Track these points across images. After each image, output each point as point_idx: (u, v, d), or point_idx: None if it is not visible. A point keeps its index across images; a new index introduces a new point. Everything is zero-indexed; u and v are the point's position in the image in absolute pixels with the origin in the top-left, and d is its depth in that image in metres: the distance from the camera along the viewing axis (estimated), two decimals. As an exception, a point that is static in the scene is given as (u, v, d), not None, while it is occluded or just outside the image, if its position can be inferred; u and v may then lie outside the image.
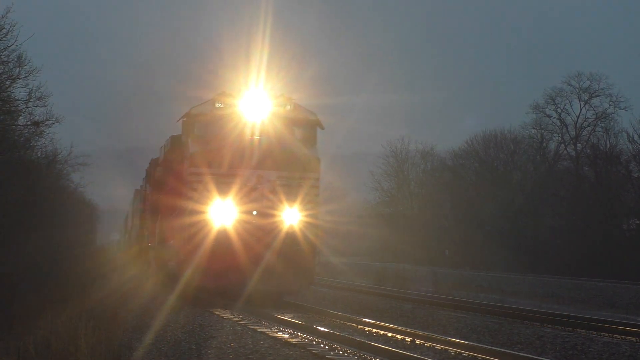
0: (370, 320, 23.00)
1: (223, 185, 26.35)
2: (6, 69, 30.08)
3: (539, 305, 33.33)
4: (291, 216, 26.58)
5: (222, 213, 26.24)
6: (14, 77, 30.23)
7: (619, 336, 20.95)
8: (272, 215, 26.46)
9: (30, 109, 31.73)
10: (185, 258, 26.38)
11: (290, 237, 26.41)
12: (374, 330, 21.45)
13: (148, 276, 39.75)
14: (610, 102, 74.12)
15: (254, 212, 26.36)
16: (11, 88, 30.59)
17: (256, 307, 25.52)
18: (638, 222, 66.16)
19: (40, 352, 14.89)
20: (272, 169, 26.67)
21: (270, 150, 26.71)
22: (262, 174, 26.58)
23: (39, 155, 38.37)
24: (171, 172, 30.42)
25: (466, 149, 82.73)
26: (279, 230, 26.40)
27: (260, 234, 26.19)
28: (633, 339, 20.52)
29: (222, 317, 23.21)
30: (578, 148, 74.85)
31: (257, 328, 20.24)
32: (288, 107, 27.19)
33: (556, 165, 76.26)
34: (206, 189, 26.31)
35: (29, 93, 30.88)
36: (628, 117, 70.16)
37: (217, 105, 27.08)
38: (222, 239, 26.00)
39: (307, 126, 27.72)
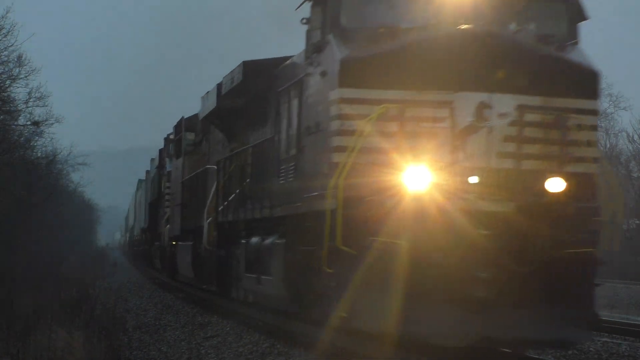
0: None
1: (409, 122, 13.08)
2: (6, 69, 30.24)
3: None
4: (555, 186, 13.24)
5: (414, 179, 12.87)
6: (14, 77, 30.39)
7: (618, 336, 20.94)
8: (515, 185, 13.20)
9: (30, 108, 31.93)
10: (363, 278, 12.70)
11: (557, 230, 12.96)
12: None
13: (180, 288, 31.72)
14: (610, 102, 74.11)
15: (473, 179, 13.12)
16: (11, 88, 30.76)
17: None
18: (638, 222, 66.22)
19: (40, 353, 14.90)
20: (509, 90, 13.23)
21: (501, 54, 13.29)
22: (489, 102, 13.10)
23: (39, 155, 38.48)
24: (260, 116, 18.73)
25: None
26: (531, 218, 12.95)
27: (490, 224, 12.78)
28: (632, 339, 20.51)
29: None
30: (578, 148, 74.85)
31: None
32: None
33: (556, 165, 76.33)
34: (379, 131, 12.96)
35: (29, 93, 31.10)
36: (628, 117, 70.23)
37: None
38: (422, 232, 12.68)
39: (559, 9, 14.19)
